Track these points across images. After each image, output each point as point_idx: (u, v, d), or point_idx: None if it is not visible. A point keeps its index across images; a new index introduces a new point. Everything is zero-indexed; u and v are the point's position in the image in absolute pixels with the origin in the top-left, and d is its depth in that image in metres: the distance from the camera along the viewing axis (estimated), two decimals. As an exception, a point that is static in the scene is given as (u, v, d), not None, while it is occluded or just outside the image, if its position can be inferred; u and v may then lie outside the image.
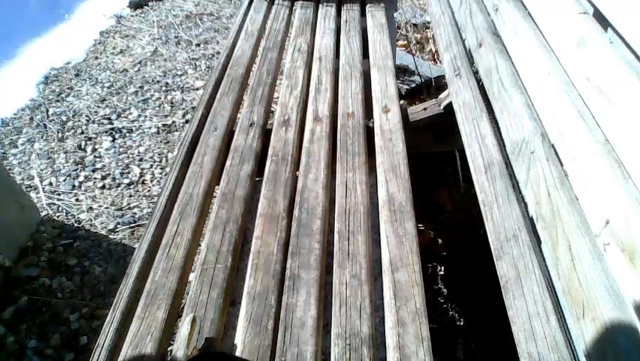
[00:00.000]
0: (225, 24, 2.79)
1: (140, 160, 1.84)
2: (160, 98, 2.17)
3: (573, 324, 0.66)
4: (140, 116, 2.07)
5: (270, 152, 0.95)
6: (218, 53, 2.45)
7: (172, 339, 0.67)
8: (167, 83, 2.26)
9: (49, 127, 1.99)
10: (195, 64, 2.42)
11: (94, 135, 1.95)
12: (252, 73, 1.25)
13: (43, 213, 1.61)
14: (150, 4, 2.99)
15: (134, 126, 2.00)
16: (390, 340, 0.63)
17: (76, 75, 2.34)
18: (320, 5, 1.47)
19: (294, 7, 1.48)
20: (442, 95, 1.60)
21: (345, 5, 1.45)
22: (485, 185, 0.94)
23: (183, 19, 2.82)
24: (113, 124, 2.01)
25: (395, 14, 1.70)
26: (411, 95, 2.22)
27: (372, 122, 1.04)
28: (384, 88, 1.09)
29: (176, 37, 2.64)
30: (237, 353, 0.62)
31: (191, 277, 0.75)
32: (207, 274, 0.72)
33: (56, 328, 1.29)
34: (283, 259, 0.74)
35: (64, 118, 2.04)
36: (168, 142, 1.93)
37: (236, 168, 0.90)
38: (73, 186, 1.73)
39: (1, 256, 1.36)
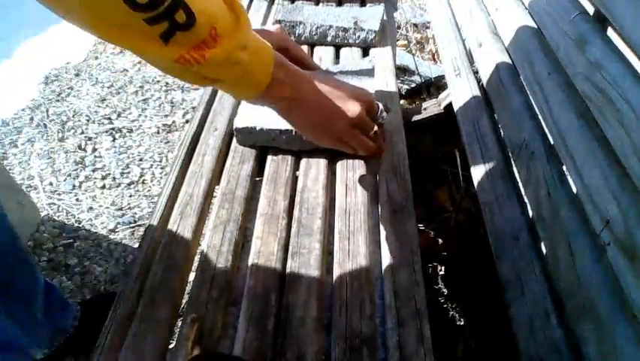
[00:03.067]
0: (225, 24, 2.79)
1: (141, 160, 1.84)
2: (160, 97, 2.17)
3: (573, 324, 0.66)
4: (140, 115, 2.07)
5: (270, 152, 0.95)
6: (218, 52, 2.45)
7: (172, 339, 0.67)
8: (167, 83, 2.26)
9: (49, 127, 1.99)
10: (195, 64, 2.42)
11: (94, 135, 1.95)
12: (252, 73, 1.25)
13: (43, 213, 1.61)
14: (150, 4, 2.99)
15: (134, 126, 2.00)
16: (391, 340, 0.63)
17: (77, 75, 2.34)
18: (320, 5, 1.47)
19: (294, 7, 1.48)
20: (442, 95, 1.60)
21: (345, 5, 1.45)
22: (485, 185, 0.94)
23: (183, 19, 2.82)
24: (113, 124, 2.01)
25: (395, 14, 1.70)
26: (411, 95, 2.22)
27: (373, 122, 1.04)
28: (385, 88, 1.09)
29: (176, 37, 2.64)
30: (237, 354, 0.62)
31: (191, 277, 0.75)
32: (207, 274, 0.72)
33: (56, 328, 1.29)
34: (283, 259, 0.74)
35: (64, 118, 2.04)
36: (168, 142, 1.94)
37: (236, 168, 0.90)
38: (74, 186, 1.73)
39: (2, 256, 1.36)
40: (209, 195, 0.87)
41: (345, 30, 1.25)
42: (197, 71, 0.50)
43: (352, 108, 0.65)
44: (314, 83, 0.64)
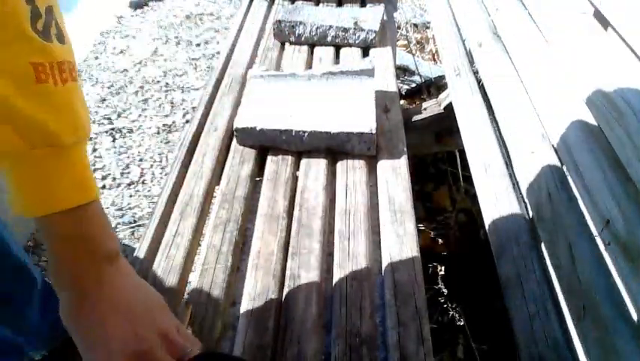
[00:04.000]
0: (225, 24, 2.79)
1: (141, 160, 1.84)
2: (160, 98, 2.17)
3: (573, 324, 0.66)
4: (140, 116, 2.07)
5: (270, 152, 0.95)
6: (218, 53, 2.45)
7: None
8: (167, 83, 2.26)
9: (49, 127, 1.99)
10: (195, 64, 2.41)
11: (94, 135, 1.95)
12: (252, 73, 1.25)
13: (43, 213, 1.61)
14: (150, 4, 2.99)
15: (135, 126, 2.00)
16: (391, 340, 0.63)
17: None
18: (320, 5, 1.47)
19: (294, 7, 1.48)
20: (442, 95, 1.60)
21: (345, 6, 1.46)
22: (485, 185, 0.94)
23: (183, 20, 2.82)
24: (113, 124, 2.01)
25: (395, 14, 1.70)
26: (411, 95, 2.23)
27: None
28: (385, 88, 1.09)
29: (176, 37, 2.64)
30: (237, 354, 0.62)
31: (191, 277, 0.75)
32: (207, 274, 0.72)
33: (56, 328, 1.29)
34: (283, 259, 0.74)
35: (64, 118, 2.04)
36: (168, 142, 1.93)
37: (236, 168, 0.90)
38: (74, 186, 1.73)
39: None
40: (209, 195, 0.87)
41: (345, 30, 1.25)
42: None
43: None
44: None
